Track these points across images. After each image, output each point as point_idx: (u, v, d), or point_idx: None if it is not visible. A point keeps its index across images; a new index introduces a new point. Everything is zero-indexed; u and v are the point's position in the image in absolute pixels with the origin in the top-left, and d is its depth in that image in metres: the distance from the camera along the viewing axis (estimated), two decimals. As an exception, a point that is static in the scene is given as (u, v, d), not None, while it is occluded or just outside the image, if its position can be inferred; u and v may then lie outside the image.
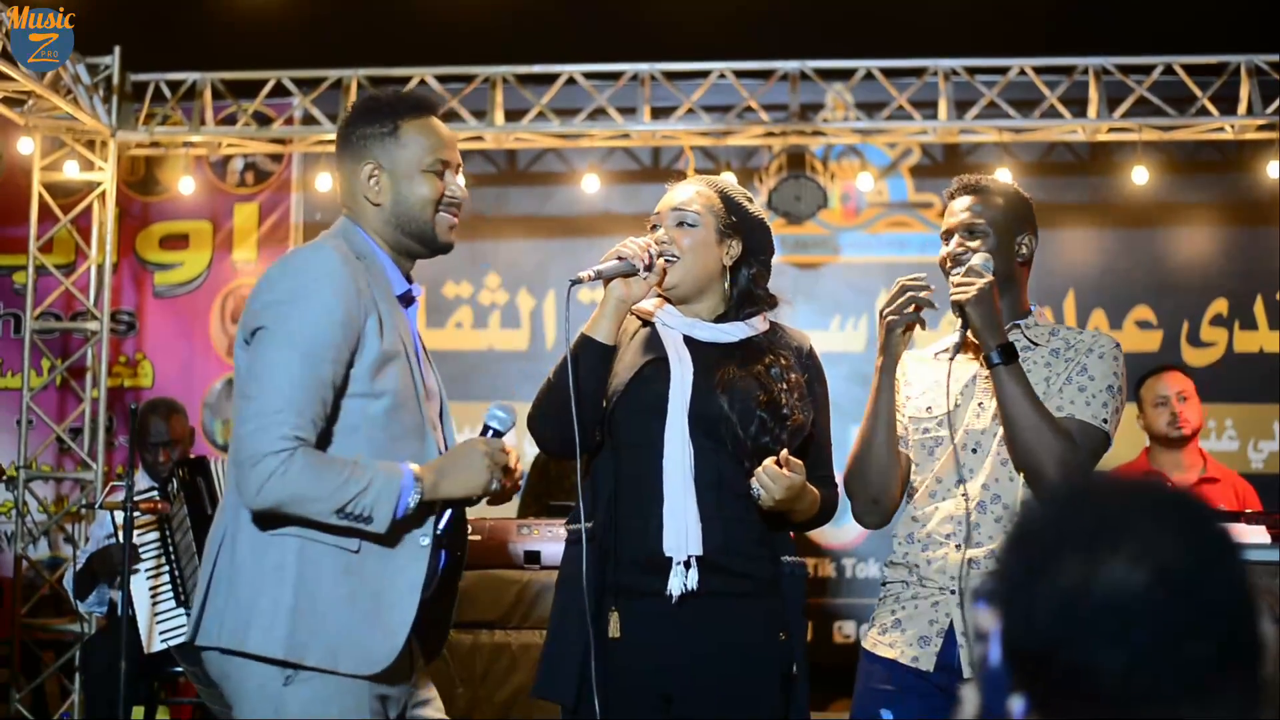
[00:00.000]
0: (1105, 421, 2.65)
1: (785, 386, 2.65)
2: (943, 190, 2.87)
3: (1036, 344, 2.74)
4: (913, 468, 2.79)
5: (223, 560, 2.25)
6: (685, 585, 2.54)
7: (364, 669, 2.21)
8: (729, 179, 2.90)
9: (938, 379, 2.77)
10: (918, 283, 2.65)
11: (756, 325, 2.73)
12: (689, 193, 2.74)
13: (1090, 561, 1.03)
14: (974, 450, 2.70)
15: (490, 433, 2.38)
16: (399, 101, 2.44)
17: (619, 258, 2.60)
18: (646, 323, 2.73)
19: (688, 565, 2.54)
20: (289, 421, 2.14)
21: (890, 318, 2.65)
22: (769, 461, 2.51)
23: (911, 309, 2.64)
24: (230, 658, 2.23)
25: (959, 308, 2.64)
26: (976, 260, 2.69)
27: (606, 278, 2.60)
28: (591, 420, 2.57)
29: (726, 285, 2.74)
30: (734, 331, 2.71)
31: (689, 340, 2.69)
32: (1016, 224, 2.78)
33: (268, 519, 2.21)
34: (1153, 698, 1.01)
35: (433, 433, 2.38)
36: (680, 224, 2.70)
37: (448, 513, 2.33)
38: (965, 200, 2.80)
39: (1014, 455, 2.62)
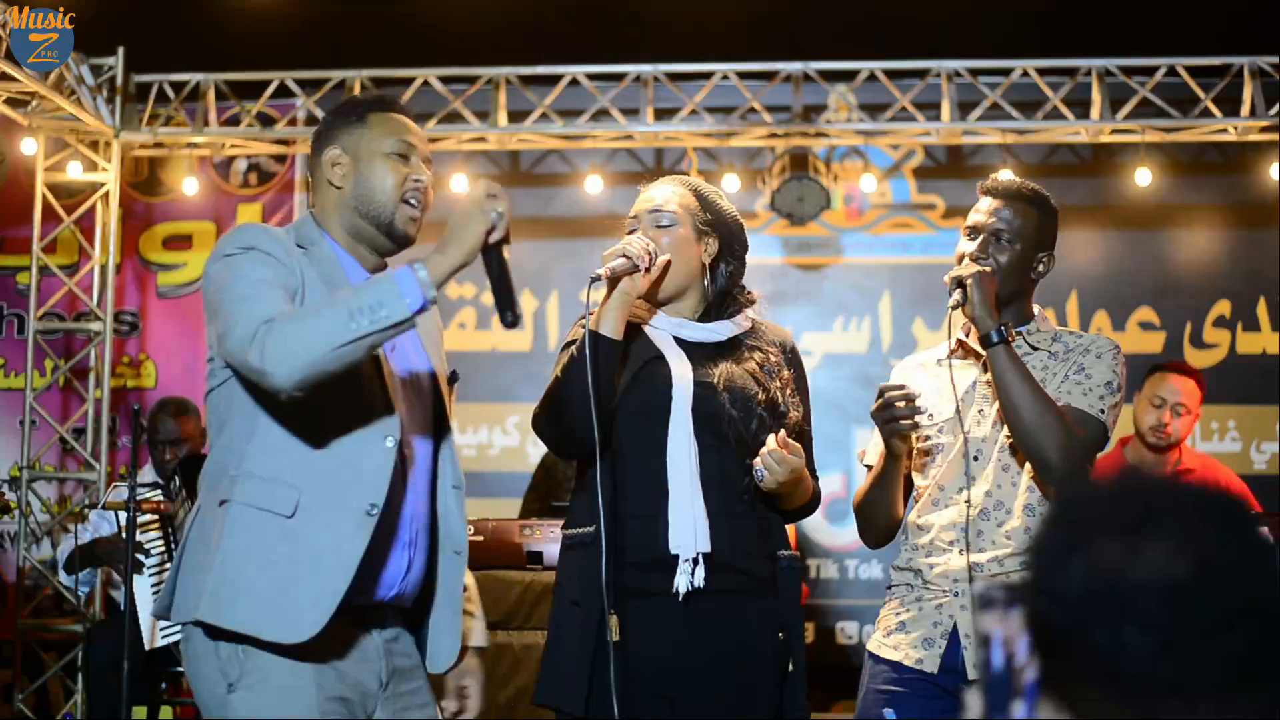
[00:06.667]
0: (1103, 413, 2.64)
1: (779, 384, 2.67)
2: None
3: (1037, 348, 2.74)
4: (916, 476, 2.79)
5: (189, 542, 2.29)
6: (692, 583, 2.53)
7: (286, 637, 2.18)
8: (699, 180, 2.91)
9: (938, 386, 2.77)
10: (897, 390, 2.63)
11: (741, 323, 2.74)
12: (664, 193, 2.75)
13: (1133, 545, 1.03)
14: (976, 457, 2.70)
15: None
16: (368, 97, 2.51)
17: (625, 255, 2.61)
18: (631, 326, 2.71)
19: (695, 563, 2.53)
20: (260, 311, 2.14)
21: (886, 426, 2.65)
22: (771, 442, 2.53)
23: (904, 417, 2.62)
24: (190, 652, 2.25)
25: (959, 283, 2.63)
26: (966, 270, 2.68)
27: (618, 276, 2.60)
28: (605, 417, 2.56)
29: (706, 283, 2.75)
30: (721, 330, 2.72)
31: (678, 340, 2.70)
32: (1042, 241, 2.78)
33: (221, 492, 2.22)
34: (1175, 690, 1.01)
35: (382, 427, 2.26)
36: (658, 224, 2.71)
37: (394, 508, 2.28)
38: (998, 203, 2.76)
39: (1016, 439, 2.62)
